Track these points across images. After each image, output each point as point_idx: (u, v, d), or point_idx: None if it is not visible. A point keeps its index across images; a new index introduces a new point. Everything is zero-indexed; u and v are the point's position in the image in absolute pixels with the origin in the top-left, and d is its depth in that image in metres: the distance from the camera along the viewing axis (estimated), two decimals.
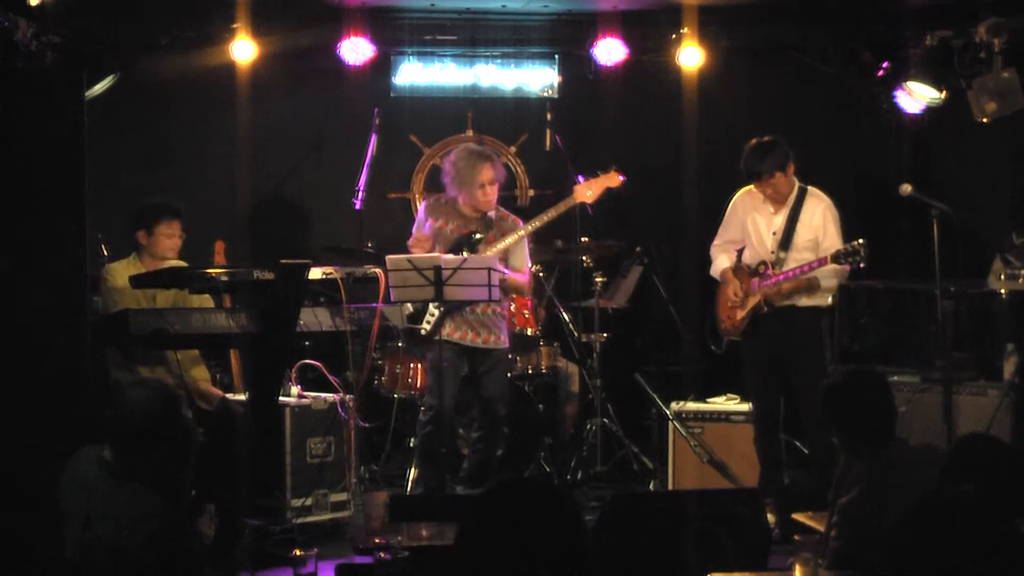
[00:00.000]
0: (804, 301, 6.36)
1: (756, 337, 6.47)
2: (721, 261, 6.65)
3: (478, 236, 6.49)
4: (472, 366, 6.59)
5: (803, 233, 6.39)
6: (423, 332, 6.51)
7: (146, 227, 6.23)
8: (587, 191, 6.60)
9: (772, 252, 6.41)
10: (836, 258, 6.14)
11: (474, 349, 6.55)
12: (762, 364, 6.48)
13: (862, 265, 6.14)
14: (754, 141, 6.44)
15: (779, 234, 6.43)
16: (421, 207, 6.79)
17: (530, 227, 6.59)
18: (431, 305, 6.47)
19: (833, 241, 6.33)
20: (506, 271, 6.50)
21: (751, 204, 6.55)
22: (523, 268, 6.63)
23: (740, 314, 6.49)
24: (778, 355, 6.42)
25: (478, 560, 2.49)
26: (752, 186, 6.52)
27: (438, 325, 6.44)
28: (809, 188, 6.48)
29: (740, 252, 6.64)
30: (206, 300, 6.04)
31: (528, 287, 7.04)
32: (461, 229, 6.54)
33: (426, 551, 4.65)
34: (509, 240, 6.53)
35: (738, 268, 6.57)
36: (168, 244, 6.21)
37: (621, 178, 6.64)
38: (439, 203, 6.69)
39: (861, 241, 6.10)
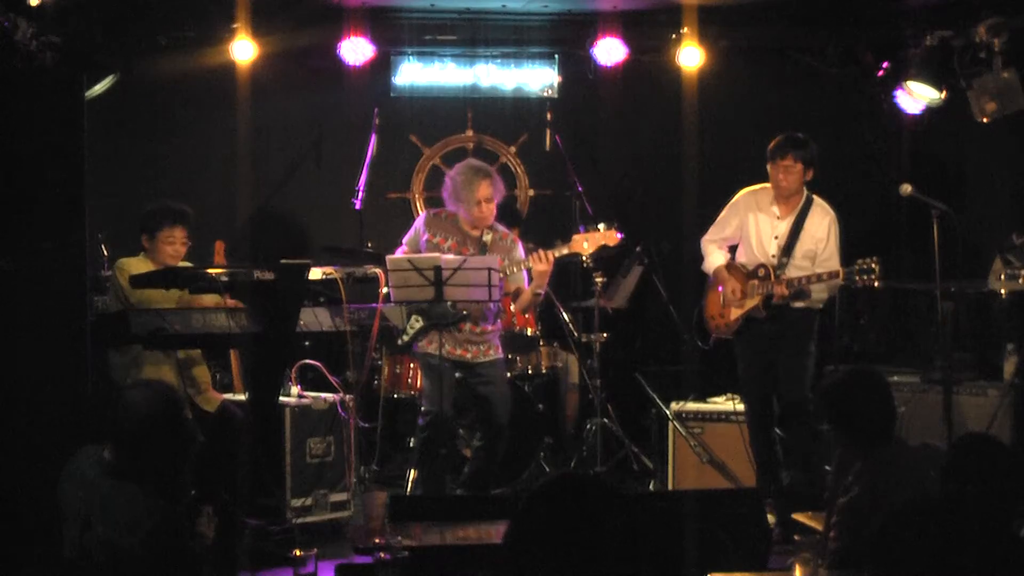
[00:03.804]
0: (796, 303, 6.37)
1: (750, 337, 6.48)
2: (716, 258, 6.64)
3: None
4: (466, 376, 6.58)
5: (806, 242, 6.38)
6: (400, 343, 6.51)
7: (148, 233, 6.21)
8: (584, 242, 6.58)
9: (774, 256, 6.41)
10: (850, 276, 6.12)
11: (464, 362, 6.55)
12: (755, 364, 6.48)
13: (877, 284, 6.14)
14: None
15: (782, 239, 6.42)
16: (420, 218, 6.72)
17: (526, 264, 6.56)
18: (412, 317, 6.46)
19: (831, 254, 6.34)
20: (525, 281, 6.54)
21: (755, 204, 6.54)
22: (523, 284, 6.62)
23: (735, 313, 6.49)
24: (771, 355, 6.42)
25: (529, 559, 2.42)
26: (756, 188, 6.52)
27: (416, 337, 6.45)
28: (815, 198, 6.46)
29: (732, 251, 6.64)
30: (211, 300, 6.03)
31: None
32: (460, 247, 6.50)
33: (426, 551, 4.65)
34: (516, 270, 6.51)
35: (732, 267, 6.57)
36: (169, 251, 6.17)
37: (619, 236, 6.64)
38: (439, 217, 6.63)
39: (876, 258, 6.08)
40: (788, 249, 6.39)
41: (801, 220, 6.41)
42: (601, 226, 6.63)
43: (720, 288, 6.60)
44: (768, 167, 6.46)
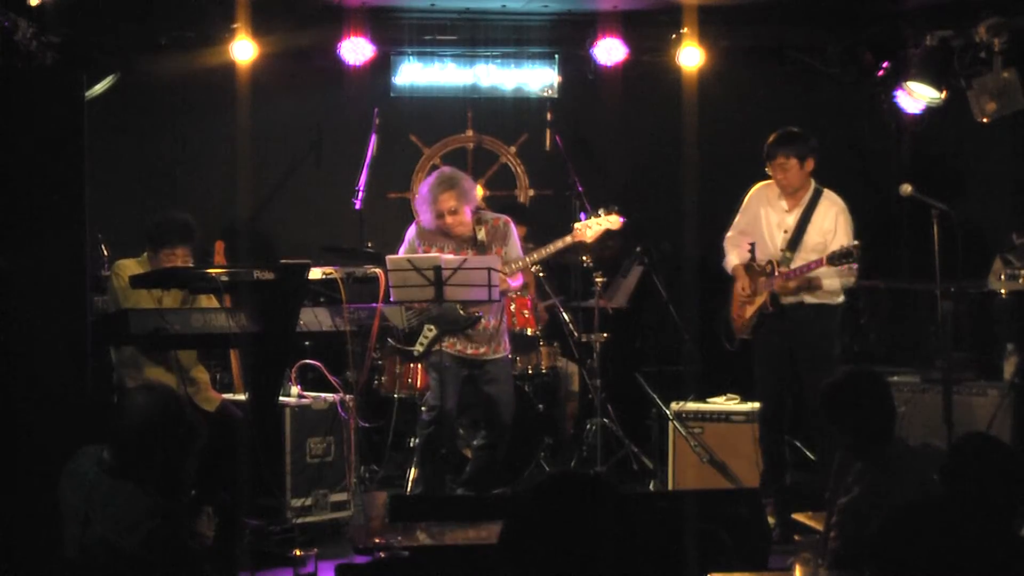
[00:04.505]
0: (810, 299, 6.36)
1: (765, 335, 6.47)
2: (733, 257, 6.64)
3: None
4: (474, 373, 6.58)
5: (813, 235, 6.37)
6: (415, 353, 6.51)
7: (152, 244, 6.19)
8: (587, 230, 6.58)
9: (780, 250, 6.41)
10: (831, 259, 6.14)
11: (472, 360, 6.55)
12: (770, 363, 6.46)
13: (854, 265, 6.16)
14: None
15: (789, 233, 6.42)
16: (410, 231, 6.66)
17: (531, 259, 6.57)
18: (425, 326, 6.46)
19: (841, 245, 6.29)
20: (511, 283, 6.53)
21: (765, 197, 6.55)
22: (516, 274, 6.61)
23: (749, 312, 6.50)
24: (788, 354, 6.40)
25: (525, 558, 2.41)
26: (768, 182, 6.52)
27: (431, 346, 6.45)
28: (825, 190, 6.46)
29: (753, 246, 6.63)
30: (213, 301, 6.02)
31: (528, 287, 7.08)
32: (458, 253, 6.46)
33: (426, 551, 4.65)
34: (515, 267, 6.50)
35: (748, 265, 6.57)
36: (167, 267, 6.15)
37: (621, 220, 6.63)
38: (428, 228, 6.61)
39: (856, 243, 6.10)
40: (794, 243, 6.39)
41: (809, 213, 6.41)
42: (601, 211, 6.63)
43: (736, 287, 6.62)
44: (767, 168, 6.47)
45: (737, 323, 6.59)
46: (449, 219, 6.43)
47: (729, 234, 6.70)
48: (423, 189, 6.56)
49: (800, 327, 6.35)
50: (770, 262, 6.42)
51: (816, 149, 6.43)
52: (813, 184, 6.47)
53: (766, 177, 6.54)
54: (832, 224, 6.37)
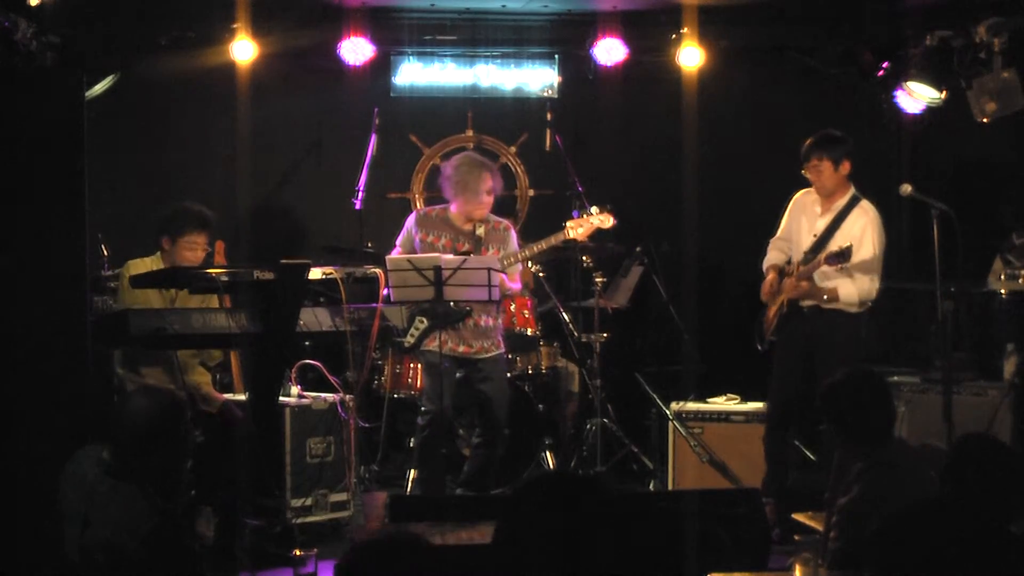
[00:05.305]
0: (828, 304, 6.36)
1: (785, 338, 6.48)
2: (769, 257, 6.68)
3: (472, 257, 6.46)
4: (468, 372, 6.58)
5: (839, 241, 6.33)
6: (407, 344, 6.52)
7: (170, 235, 6.19)
8: (579, 228, 6.63)
9: (804, 252, 6.43)
10: (828, 259, 6.15)
11: (466, 359, 6.55)
12: (784, 364, 6.47)
13: (844, 266, 6.16)
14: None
15: (817, 237, 6.43)
16: (410, 219, 6.71)
17: (522, 255, 6.60)
18: (416, 318, 6.48)
19: (868, 254, 6.26)
20: (510, 284, 6.56)
21: (803, 204, 6.58)
22: (515, 276, 6.64)
23: (772, 311, 6.53)
24: (804, 357, 6.39)
25: (516, 558, 2.42)
26: (809, 188, 6.53)
27: (422, 338, 6.46)
28: (863, 200, 6.45)
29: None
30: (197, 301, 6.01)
31: (527, 289, 7.09)
32: (454, 244, 6.51)
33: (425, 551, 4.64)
34: (512, 261, 6.53)
35: (782, 267, 6.58)
36: (189, 256, 6.13)
37: (613, 219, 6.66)
38: (429, 217, 6.64)
39: (849, 245, 6.11)
40: (818, 247, 6.39)
41: (840, 219, 6.40)
42: (594, 210, 6.66)
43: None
44: (803, 171, 6.49)
45: (766, 324, 6.62)
46: (488, 199, 6.51)
47: (773, 238, 6.73)
48: (458, 168, 6.58)
49: (819, 331, 6.36)
50: (792, 264, 6.45)
51: (852, 152, 6.44)
52: (852, 191, 6.46)
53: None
54: (859, 232, 6.33)
